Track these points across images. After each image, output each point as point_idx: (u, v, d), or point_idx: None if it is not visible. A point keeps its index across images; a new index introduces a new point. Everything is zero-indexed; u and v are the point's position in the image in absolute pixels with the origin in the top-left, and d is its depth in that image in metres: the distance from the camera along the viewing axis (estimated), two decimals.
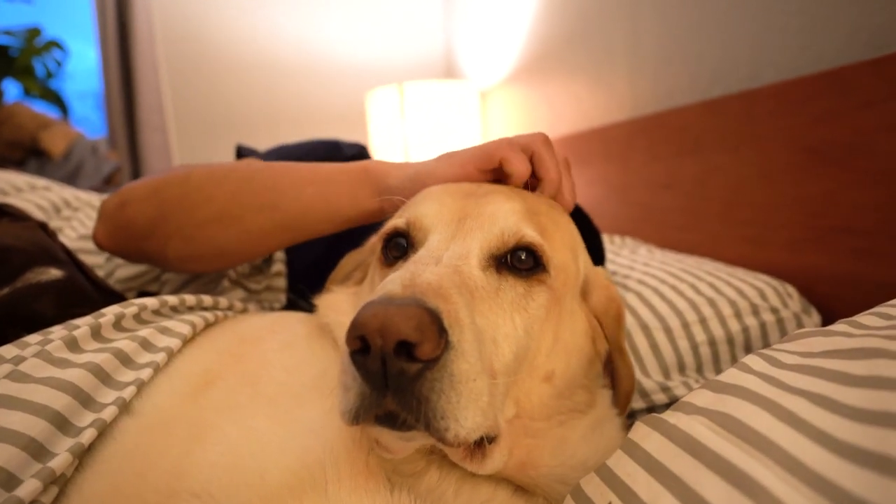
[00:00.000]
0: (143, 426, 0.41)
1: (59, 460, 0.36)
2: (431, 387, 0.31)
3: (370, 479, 0.38)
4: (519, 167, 0.52)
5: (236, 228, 0.62)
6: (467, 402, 0.32)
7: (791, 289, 0.83)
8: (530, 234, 0.43)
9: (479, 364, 0.33)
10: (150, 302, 0.51)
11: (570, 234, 0.51)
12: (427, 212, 0.46)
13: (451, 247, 0.42)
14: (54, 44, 2.17)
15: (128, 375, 0.43)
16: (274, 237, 0.63)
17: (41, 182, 0.97)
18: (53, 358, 0.42)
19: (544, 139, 0.55)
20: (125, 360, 0.44)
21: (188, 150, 2.33)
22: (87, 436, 0.38)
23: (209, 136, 2.36)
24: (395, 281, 0.34)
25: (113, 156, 2.17)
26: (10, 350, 0.43)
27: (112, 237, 0.66)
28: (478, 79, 2.25)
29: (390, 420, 0.32)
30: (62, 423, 0.39)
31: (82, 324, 0.46)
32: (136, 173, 2.25)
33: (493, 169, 0.54)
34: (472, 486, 0.41)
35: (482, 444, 0.36)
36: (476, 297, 0.38)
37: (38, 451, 0.37)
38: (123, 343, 0.45)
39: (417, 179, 0.55)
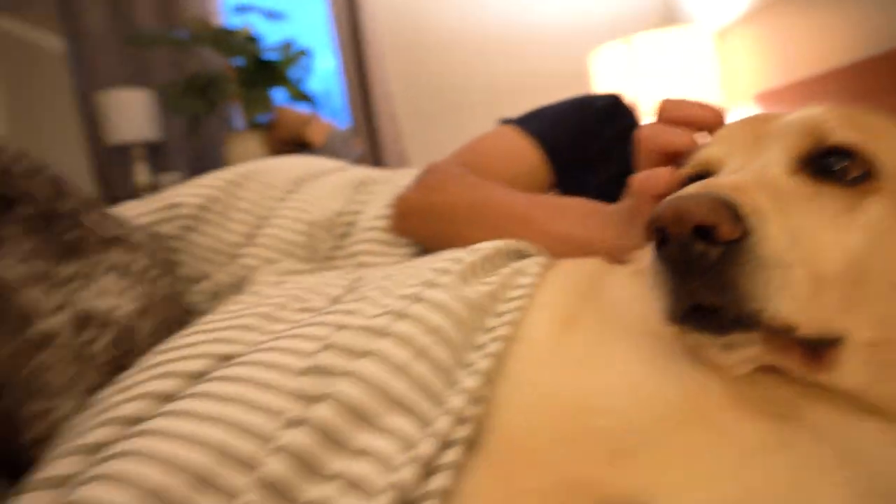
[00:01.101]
0: (530, 352, 0.44)
1: (472, 379, 0.40)
2: (736, 271, 0.30)
3: (753, 412, 0.37)
4: (681, 139, 0.49)
5: None
6: (779, 288, 0.30)
7: None
8: (845, 134, 0.37)
9: (789, 254, 0.31)
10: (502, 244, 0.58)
11: None
12: (717, 148, 0.44)
13: (750, 164, 0.39)
14: (303, 53, 2.51)
15: (506, 306, 0.48)
16: None
17: (339, 164, 1.14)
18: (459, 283, 0.49)
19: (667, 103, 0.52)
20: (496, 296, 0.50)
21: (417, 133, 2.54)
22: (485, 363, 0.42)
23: (434, 118, 2.55)
24: (688, 188, 0.34)
25: (358, 144, 2.47)
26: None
27: (402, 236, 0.85)
28: (708, 21, 2.04)
29: (702, 315, 0.32)
30: (466, 347, 0.44)
31: (465, 258, 0.53)
32: (375, 158, 2.54)
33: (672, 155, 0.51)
34: (859, 429, 0.38)
35: (821, 350, 0.34)
36: (784, 199, 0.35)
37: (451, 381, 0.42)
38: (495, 279, 0.51)
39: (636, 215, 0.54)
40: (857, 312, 0.36)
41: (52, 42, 2.95)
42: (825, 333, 0.33)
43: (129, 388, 0.44)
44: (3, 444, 0.52)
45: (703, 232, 0.30)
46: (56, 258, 0.55)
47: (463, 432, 0.37)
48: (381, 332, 0.44)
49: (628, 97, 0.99)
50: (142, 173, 2.71)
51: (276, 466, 0.35)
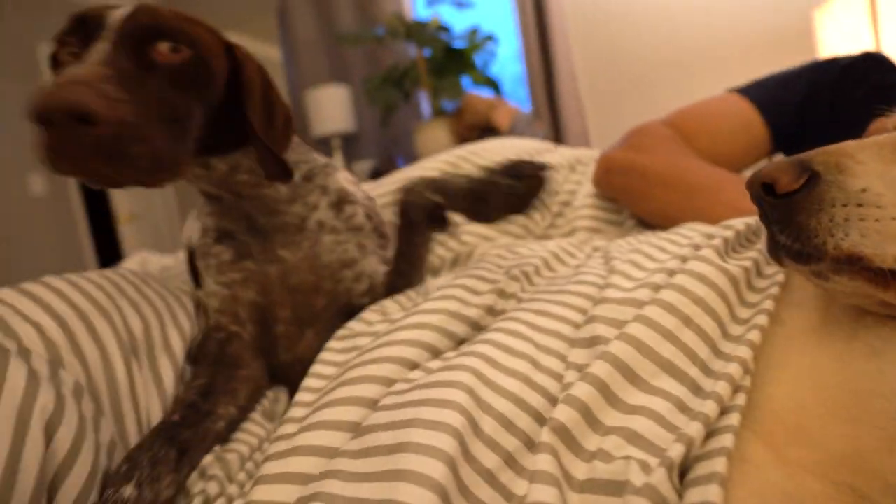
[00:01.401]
0: (790, 330, 0.42)
1: (743, 349, 0.40)
2: (801, 212, 0.35)
3: None
4: None
5: (670, 224, 0.75)
6: (842, 224, 0.34)
7: None
8: None
9: (881, 198, 0.34)
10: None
11: None
12: None
13: None
14: (489, 38, 2.57)
15: (764, 282, 0.47)
16: None
17: (544, 145, 1.15)
18: (716, 257, 0.48)
19: None
20: (754, 272, 0.49)
21: (600, 111, 2.47)
22: (754, 335, 0.42)
23: (618, 96, 2.46)
24: None
25: (539, 126, 2.47)
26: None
27: (602, 190, 0.93)
28: None
29: (787, 252, 0.37)
30: (729, 320, 0.44)
31: (718, 234, 0.52)
32: (557, 137, 2.53)
33: None
34: None
35: None
36: None
37: (717, 351, 0.43)
38: (752, 255, 0.50)
39: None
40: None
41: (270, 51, 3.39)
42: None
43: (424, 313, 0.51)
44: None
45: (768, 187, 0.37)
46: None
47: (740, 400, 0.38)
48: (644, 302, 0.45)
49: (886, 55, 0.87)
50: (340, 163, 3.01)
51: (565, 414, 0.38)
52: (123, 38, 0.47)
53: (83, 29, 0.48)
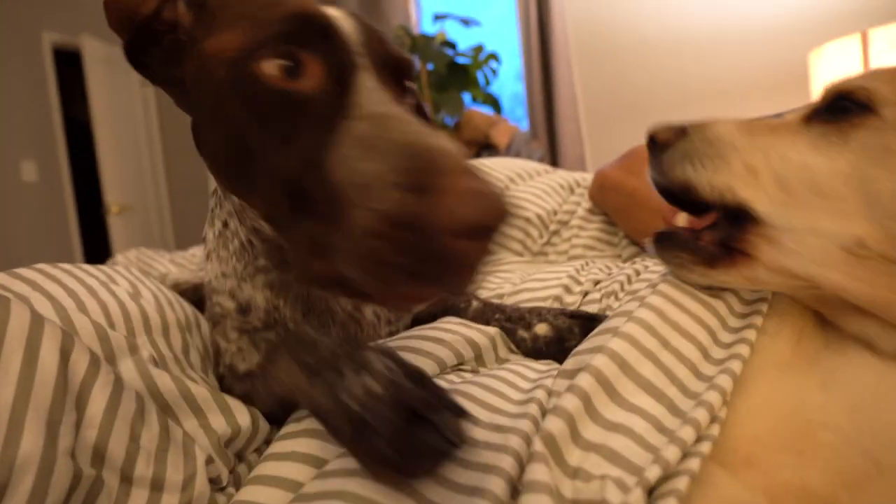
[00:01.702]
0: (760, 360, 0.44)
1: (724, 378, 0.41)
2: (666, 156, 0.47)
3: None
4: None
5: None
6: (687, 157, 0.46)
7: None
8: (853, 82, 0.44)
9: (723, 152, 0.45)
10: None
11: None
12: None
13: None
14: (492, 56, 2.61)
15: (748, 308, 0.48)
16: None
17: (543, 166, 1.17)
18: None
19: None
20: (737, 297, 0.50)
21: (597, 135, 2.51)
22: (736, 365, 0.43)
23: (616, 121, 2.50)
24: None
25: (536, 145, 2.51)
26: None
27: (595, 204, 1.00)
28: None
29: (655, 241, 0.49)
30: (711, 344, 0.46)
31: None
32: (553, 159, 2.56)
33: None
34: None
35: (733, 251, 0.45)
36: (756, 131, 0.46)
37: (698, 373, 0.44)
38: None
39: None
40: (763, 189, 0.43)
41: None
42: (727, 199, 0.44)
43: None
44: None
45: (653, 140, 0.50)
46: None
47: (714, 430, 0.38)
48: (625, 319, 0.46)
49: None
50: None
51: (554, 424, 0.39)
52: (385, 72, 0.37)
53: (314, 38, 0.36)
